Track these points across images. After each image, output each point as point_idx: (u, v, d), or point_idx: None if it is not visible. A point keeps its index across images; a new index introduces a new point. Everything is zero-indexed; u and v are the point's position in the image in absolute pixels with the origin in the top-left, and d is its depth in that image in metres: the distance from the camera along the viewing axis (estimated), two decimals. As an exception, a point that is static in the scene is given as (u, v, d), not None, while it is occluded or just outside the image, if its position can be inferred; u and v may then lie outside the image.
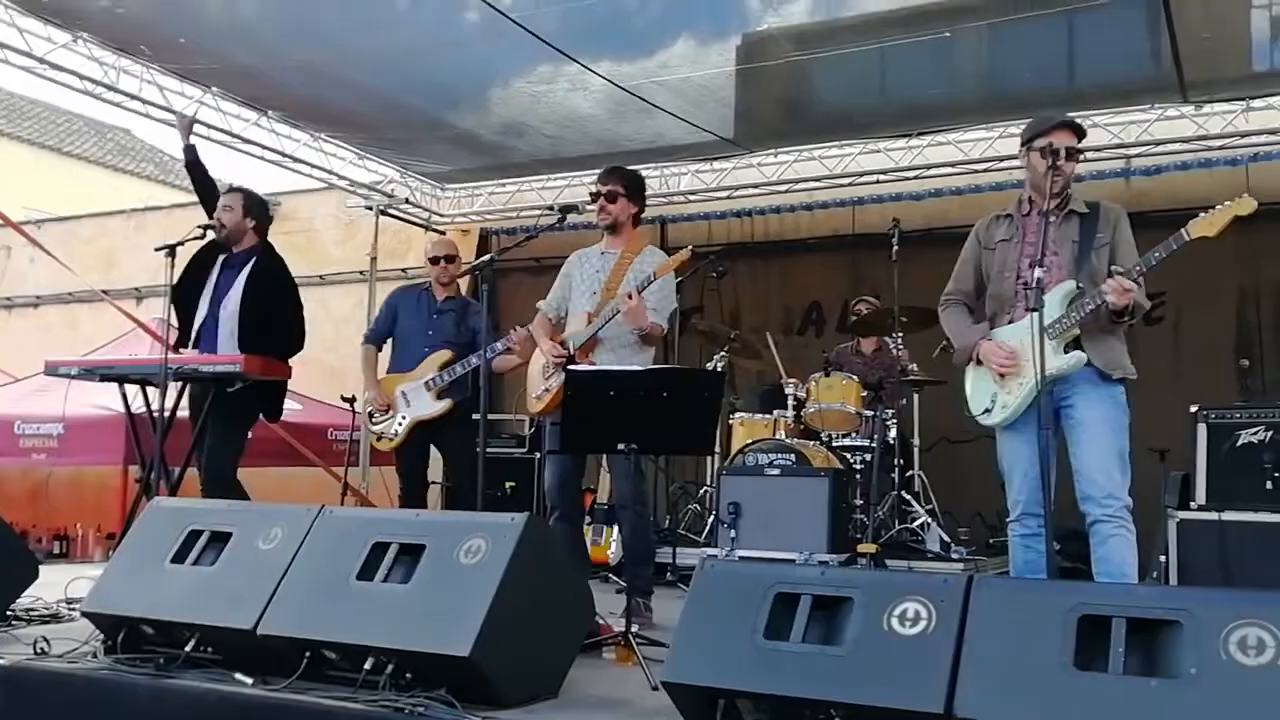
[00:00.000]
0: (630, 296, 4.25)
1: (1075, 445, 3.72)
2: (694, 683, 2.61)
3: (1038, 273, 3.54)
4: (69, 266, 9.11)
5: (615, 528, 6.25)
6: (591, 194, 4.62)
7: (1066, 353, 3.70)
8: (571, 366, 4.21)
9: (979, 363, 3.93)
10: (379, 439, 5.66)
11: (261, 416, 5.30)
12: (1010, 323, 3.91)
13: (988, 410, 3.88)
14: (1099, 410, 3.68)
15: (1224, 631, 2.17)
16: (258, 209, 5.37)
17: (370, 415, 5.67)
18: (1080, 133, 3.89)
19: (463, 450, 5.52)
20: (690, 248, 4.52)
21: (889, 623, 2.47)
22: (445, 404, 5.45)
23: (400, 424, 5.51)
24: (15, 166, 18.51)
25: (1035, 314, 3.49)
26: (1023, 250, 3.88)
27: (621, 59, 6.41)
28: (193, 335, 5.19)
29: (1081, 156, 3.79)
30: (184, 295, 5.24)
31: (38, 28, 6.31)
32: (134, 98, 6.94)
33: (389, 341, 5.85)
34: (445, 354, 5.52)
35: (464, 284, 9.42)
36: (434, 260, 5.76)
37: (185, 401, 5.27)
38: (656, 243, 8.64)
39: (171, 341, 5.10)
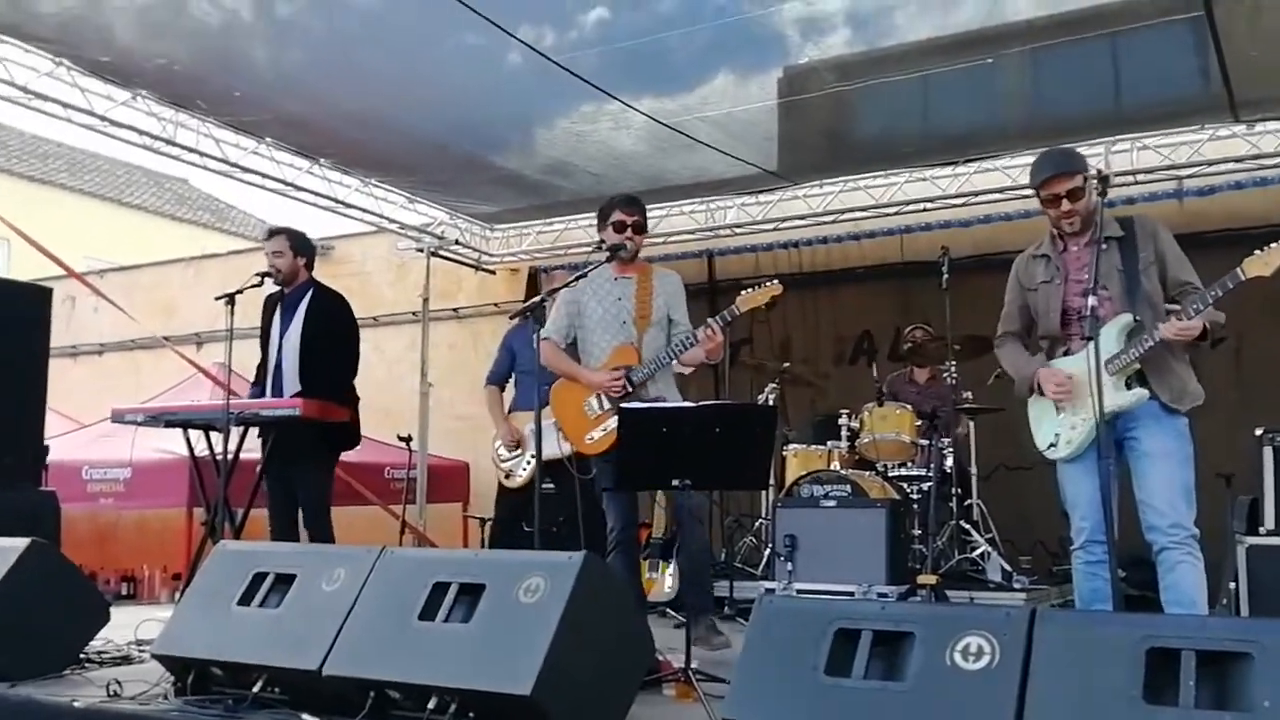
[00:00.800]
0: (714, 331, 4.25)
1: (1140, 477, 3.70)
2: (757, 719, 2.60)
3: (1091, 301, 3.52)
4: (131, 315, 9.35)
5: (671, 562, 6.23)
6: (619, 223, 4.53)
7: (1129, 388, 3.68)
8: (625, 404, 4.21)
9: (1040, 393, 3.92)
10: (508, 476, 5.61)
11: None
12: (1067, 353, 3.90)
13: (1053, 445, 3.88)
14: (1162, 443, 3.64)
15: (1298, 663, 2.13)
16: (305, 246, 5.56)
17: (499, 452, 5.65)
18: (1077, 168, 3.84)
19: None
20: (778, 282, 4.42)
21: (951, 658, 2.44)
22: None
23: (529, 463, 5.46)
24: (77, 218, 19.07)
25: (1091, 343, 3.47)
26: (1068, 288, 3.87)
27: (663, 95, 6.47)
28: (269, 380, 5.35)
29: (1104, 186, 3.69)
30: (265, 342, 5.50)
31: (98, 86, 6.53)
32: (191, 150, 7.15)
33: (511, 380, 5.88)
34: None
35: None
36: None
37: (253, 443, 5.41)
38: (704, 276, 8.73)
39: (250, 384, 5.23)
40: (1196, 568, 3.59)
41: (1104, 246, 3.77)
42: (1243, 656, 2.20)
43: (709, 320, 4.33)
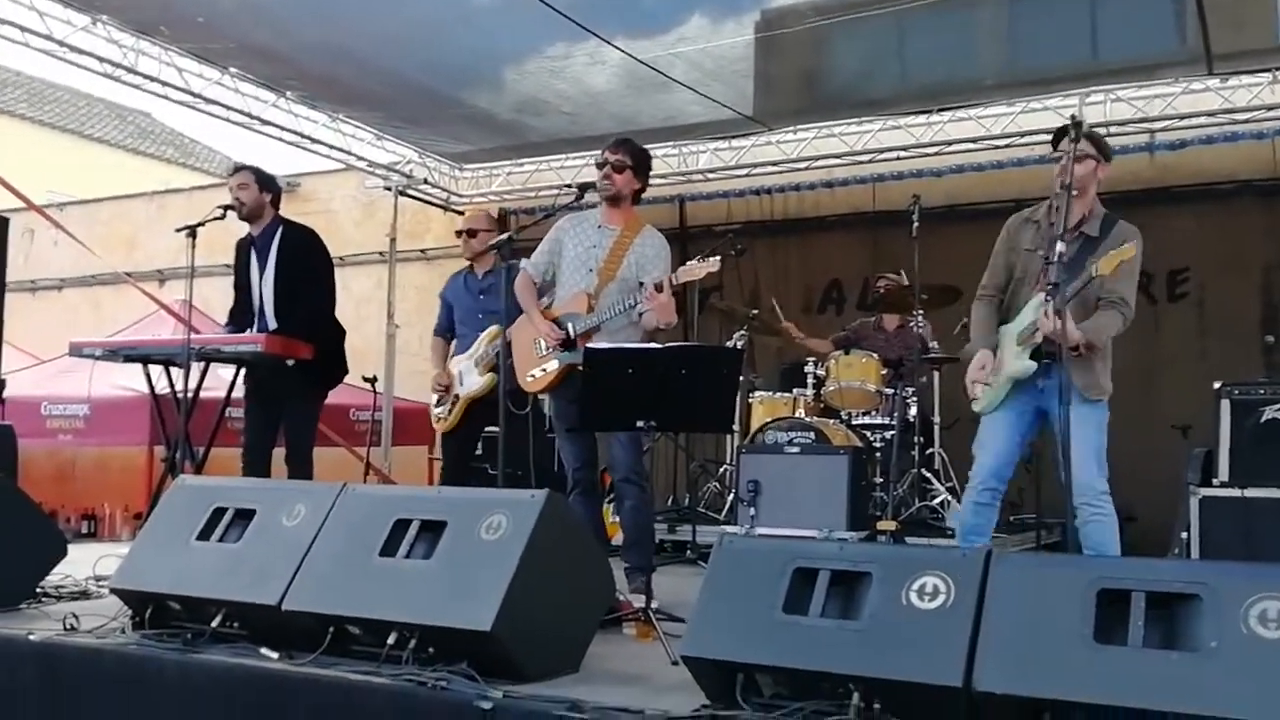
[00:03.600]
0: (660, 290, 4.17)
1: (1064, 447, 3.89)
2: (713, 657, 2.62)
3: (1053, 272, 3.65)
4: (91, 249, 9.19)
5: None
6: (599, 162, 4.49)
7: (1031, 359, 3.98)
8: (590, 345, 4.18)
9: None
10: (438, 421, 5.57)
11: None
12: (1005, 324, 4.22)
13: (975, 399, 4.27)
14: (1078, 427, 3.78)
15: (1244, 605, 2.17)
16: (270, 182, 5.46)
17: (437, 401, 5.63)
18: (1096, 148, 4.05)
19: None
20: (719, 259, 4.31)
21: (908, 597, 2.47)
22: (488, 378, 5.28)
23: (453, 404, 5.45)
24: (37, 150, 18.64)
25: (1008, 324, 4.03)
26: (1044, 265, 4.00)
27: (637, 34, 6.39)
28: (254, 324, 5.30)
29: (1078, 133, 3.80)
30: (241, 287, 5.42)
31: (57, 10, 6.35)
32: (153, 79, 6.98)
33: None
34: (495, 329, 5.32)
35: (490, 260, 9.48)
36: (458, 234, 5.74)
37: (214, 380, 5.35)
38: (675, 221, 8.67)
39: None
40: (1106, 524, 3.91)
41: (1073, 238, 3.95)
42: (1191, 598, 2.24)
43: (645, 282, 4.27)
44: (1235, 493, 4.99)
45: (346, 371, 5.46)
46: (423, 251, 10.21)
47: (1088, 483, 3.88)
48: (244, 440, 5.32)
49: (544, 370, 4.41)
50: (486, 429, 5.64)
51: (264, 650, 3.14)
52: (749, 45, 6.56)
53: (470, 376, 5.42)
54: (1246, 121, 6.95)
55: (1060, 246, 3.64)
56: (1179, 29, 6.23)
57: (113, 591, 3.63)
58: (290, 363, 4.97)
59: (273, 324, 5.21)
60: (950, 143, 7.62)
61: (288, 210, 5.67)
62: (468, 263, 5.71)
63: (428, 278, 10.24)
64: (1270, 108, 6.82)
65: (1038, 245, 4.03)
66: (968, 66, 6.92)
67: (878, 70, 7.13)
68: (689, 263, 4.29)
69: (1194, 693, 2.14)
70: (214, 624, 3.30)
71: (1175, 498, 5.33)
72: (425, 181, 9.28)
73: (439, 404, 5.58)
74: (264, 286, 5.27)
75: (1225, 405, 5.40)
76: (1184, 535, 5.10)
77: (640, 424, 3.77)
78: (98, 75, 6.84)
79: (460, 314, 5.65)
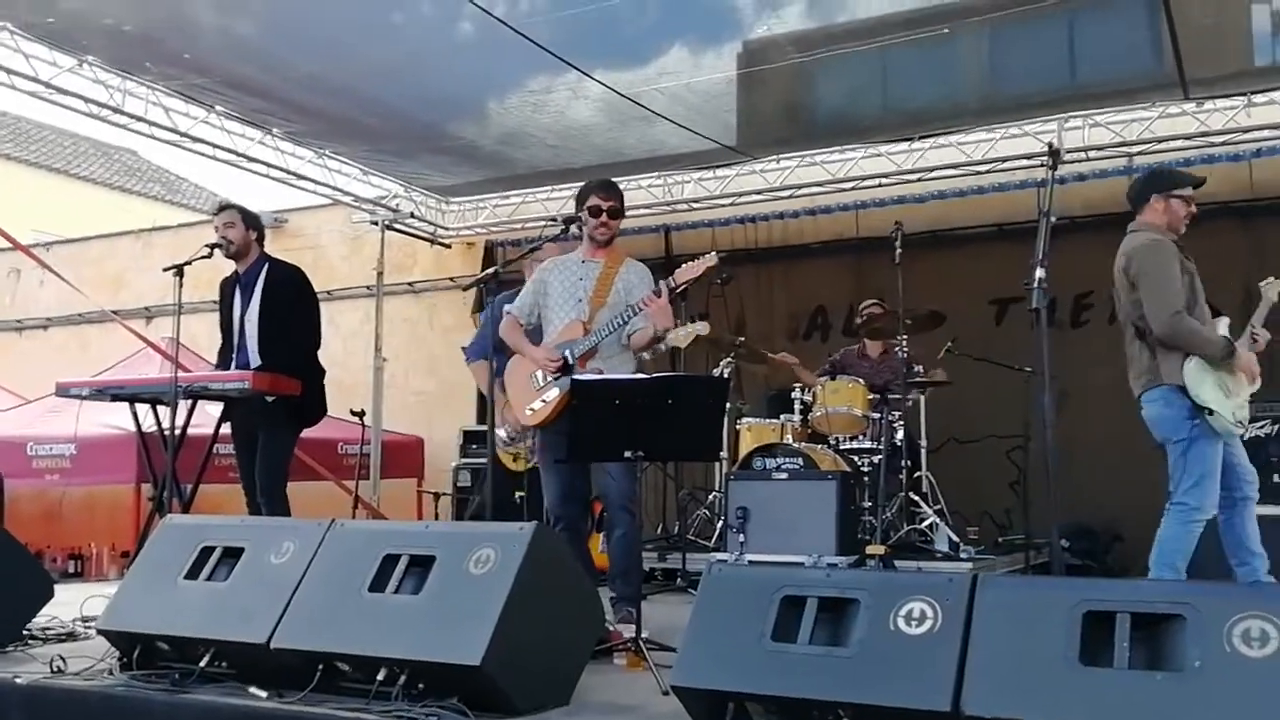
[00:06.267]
0: (659, 295, 4.22)
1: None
2: (703, 686, 2.63)
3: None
4: (78, 288, 9.17)
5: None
6: (594, 208, 4.47)
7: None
8: (576, 375, 4.20)
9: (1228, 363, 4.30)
10: (515, 459, 5.42)
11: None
12: None
13: (1236, 422, 4.28)
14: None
15: (1227, 624, 2.19)
16: (255, 221, 5.47)
17: (501, 434, 5.45)
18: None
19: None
20: (714, 254, 4.42)
21: (895, 623, 2.48)
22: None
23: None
24: (23, 189, 18.65)
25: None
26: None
27: (617, 67, 6.44)
28: (233, 361, 5.29)
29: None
30: (226, 326, 5.40)
31: (43, 52, 6.37)
32: (140, 119, 7.00)
33: None
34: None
35: (470, 296, 9.52)
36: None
37: (201, 417, 5.34)
38: (661, 251, 8.72)
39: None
40: None
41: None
42: (1175, 618, 2.26)
43: (651, 291, 4.30)
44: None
45: (325, 412, 5.43)
46: (410, 285, 10.24)
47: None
48: (242, 479, 5.31)
49: (544, 401, 4.38)
50: None
51: (253, 689, 3.13)
52: (730, 81, 6.62)
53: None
54: (1223, 144, 7.03)
55: None
56: (1155, 55, 6.31)
57: (100, 633, 3.62)
58: (270, 399, 4.95)
59: (255, 360, 5.20)
60: (932, 169, 7.69)
61: (275, 246, 5.70)
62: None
63: (415, 310, 10.28)
64: (1245, 130, 6.91)
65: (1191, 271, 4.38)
66: (949, 94, 6.99)
67: (859, 100, 7.20)
68: (684, 264, 4.34)
69: (1179, 713, 2.15)
70: (202, 664, 3.28)
71: (1160, 517, 5.35)
72: (412, 215, 9.31)
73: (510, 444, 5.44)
74: (247, 323, 5.26)
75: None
76: (1170, 554, 5.11)
77: (628, 454, 3.78)
78: (83, 115, 6.87)
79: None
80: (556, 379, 4.31)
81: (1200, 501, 4.18)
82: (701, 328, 4.38)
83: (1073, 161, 7.12)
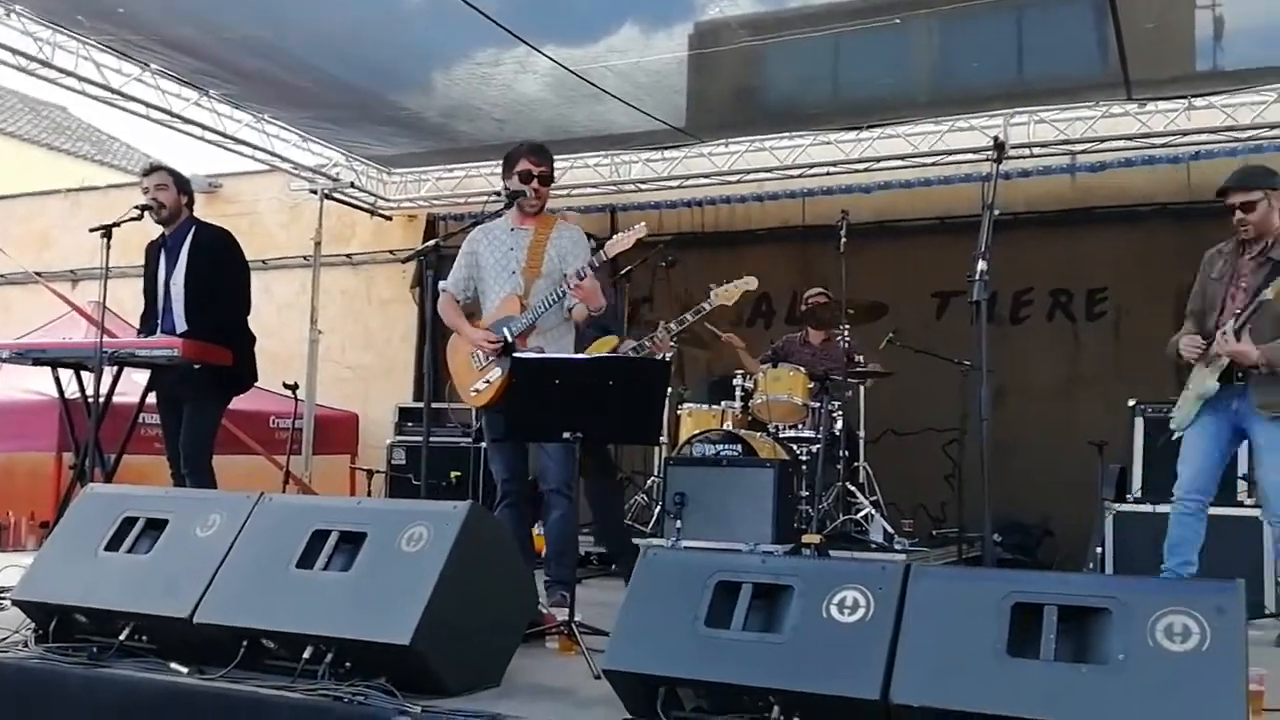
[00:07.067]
0: (582, 278, 4.17)
1: (1256, 468, 4.39)
2: (635, 670, 2.62)
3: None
4: (2, 248, 8.88)
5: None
6: (525, 173, 4.34)
7: (1214, 381, 4.24)
8: (516, 353, 4.14)
9: (1178, 355, 4.41)
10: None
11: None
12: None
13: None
14: (1270, 442, 4.17)
15: (1151, 619, 2.23)
16: (187, 185, 5.32)
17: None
18: (1252, 184, 4.28)
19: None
20: (644, 224, 4.38)
21: (828, 610, 2.49)
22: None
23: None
24: (-52, 144, 18.00)
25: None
26: (1231, 289, 4.32)
27: (567, 43, 6.36)
28: (158, 327, 5.12)
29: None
30: (149, 290, 5.23)
31: (-33, 1, 6.13)
32: (70, 74, 6.75)
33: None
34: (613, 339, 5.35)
35: (410, 270, 9.39)
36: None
37: (127, 385, 5.18)
38: (607, 230, 8.63)
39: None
40: None
41: (1257, 265, 4.24)
42: (1101, 612, 2.29)
43: (568, 273, 4.24)
44: (1148, 508, 5.14)
45: (255, 379, 5.30)
46: (348, 256, 10.06)
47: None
48: (166, 449, 5.17)
49: (487, 382, 4.31)
50: None
51: (174, 665, 3.06)
52: (681, 61, 6.58)
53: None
54: (1164, 146, 7.16)
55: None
56: (1100, 54, 6.40)
57: (15, 603, 3.51)
58: (196, 367, 4.82)
59: (181, 326, 5.04)
60: (879, 159, 7.72)
61: (209, 212, 5.57)
62: None
63: (352, 282, 10.11)
64: (1185, 133, 7.04)
65: (1223, 275, 4.35)
66: (898, 85, 7.02)
67: (809, 87, 7.20)
68: (615, 236, 4.29)
69: (1102, 705, 2.19)
70: (122, 637, 3.20)
71: (1092, 513, 5.46)
72: (352, 185, 9.13)
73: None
74: (173, 286, 5.10)
75: (1139, 423, 5.56)
76: (1099, 549, 5.23)
77: (567, 435, 3.74)
78: (11, 68, 6.62)
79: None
80: (498, 359, 4.25)
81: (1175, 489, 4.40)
82: (750, 283, 4.33)
83: (1017, 157, 7.21)
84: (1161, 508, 4.75)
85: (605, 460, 5.94)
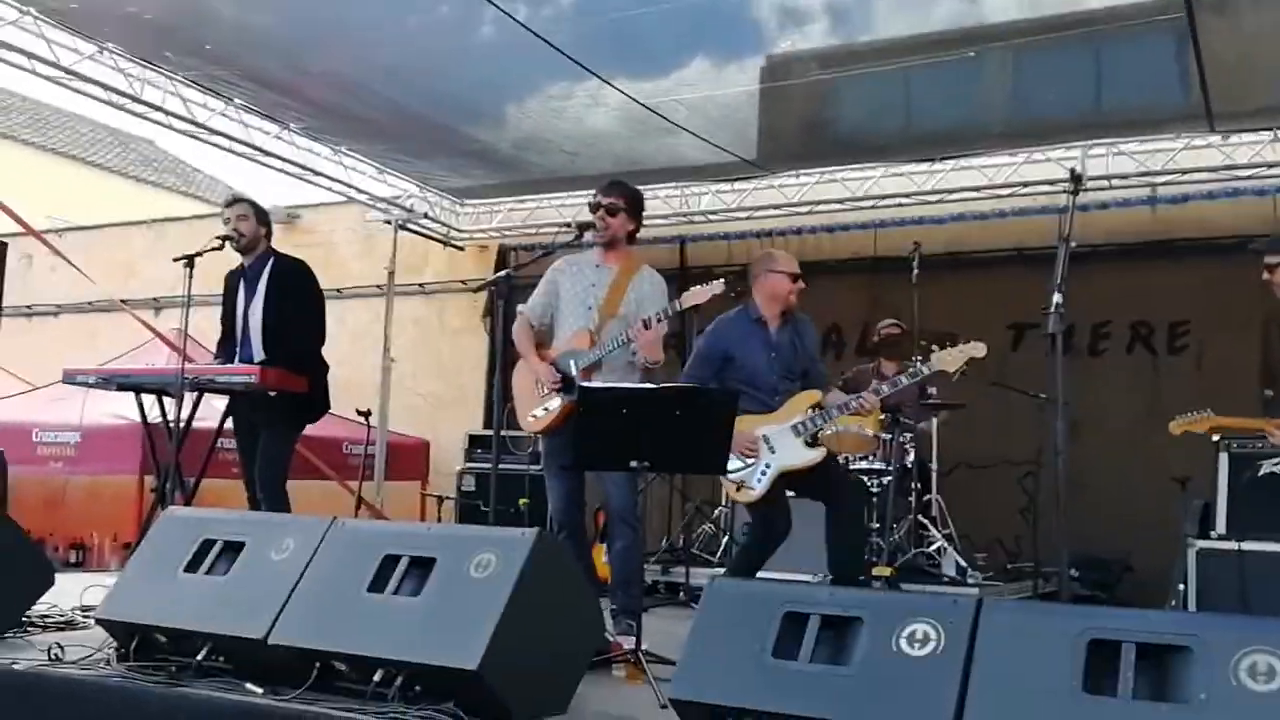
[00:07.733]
0: (646, 326, 4.19)
1: None
2: (701, 700, 2.60)
3: None
4: (89, 276, 9.19)
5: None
6: (592, 204, 4.46)
7: None
8: (583, 384, 4.16)
9: None
10: (738, 489, 4.73)
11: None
12: None
13: None
14: None
15: (1234, 658, 2.16)
16: (266, 216, 5.46)
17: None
18: None
19: None
20: (724, 280, 4.34)
21: (898, 644, 2.45)
22: (820, 452, 4.62)
23: (764, 472, 4.64)
24: (38, 175, 18.71)
25: None
26: None
27: (638, 77, 6.43)
28: (236, 355, 5.26)
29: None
30: (227, 319, 5.38)
31: (64, 38, 6.38)
32: (157, 109, 7.01)
33: None
34: (815, 394, 4.70)
35: (481, 299, 9.49)
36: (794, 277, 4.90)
37: (207, 410, 5.32)
38: (676, 262, 8.69)
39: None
40: None
41: None
42: (1182, 649, 2.22)
43: (643, 319, 4.25)
44: (1232, 545, 4.97)
45: (328, 408, 5.38)
46: (421, 285, 10.23)
47: None
48: (244, 474, 5.28)
49: (546, 410, 4.35)
50: None
51: (249, 685, 3.11)
52: (752, 95, 6.60)
53: (789, 445, 4.64)
54: (1248, 178, 6.99)
55: None
56: (1182, 86, 6.26)
57: (98, 622, 3.60)
58: (273, 394, 4.93)
59: (259, 355, 5.15)
60: (952, 190, 7.65)
61: (287, 242, 5.70)
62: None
63: (425, 312, 10.27)
64: (1271, 165, 6.86)
65: None
66: (972, 116, 6.95)
67: (881, 119, 7.17)
68: (693, 288, 4.29)
69: (1186, 747, 2.11)
70: (199, 657, 3.27)
71: (1173, 550, 5.30)
72: (426, 216, 9.31)
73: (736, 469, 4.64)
74: (251, 316, 5.22)
75: (1224, 458, 5.38)
76: (1181, 587, 5.07)
77: (634, 464, 3.75)
78: (102, 103, 6.89)
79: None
80: (555, 392, 4.29)
81: None
82: (717, 287, 4.24)
83: (1095, 189, 7.08)
84: (1247, 544, 4.60)
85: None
